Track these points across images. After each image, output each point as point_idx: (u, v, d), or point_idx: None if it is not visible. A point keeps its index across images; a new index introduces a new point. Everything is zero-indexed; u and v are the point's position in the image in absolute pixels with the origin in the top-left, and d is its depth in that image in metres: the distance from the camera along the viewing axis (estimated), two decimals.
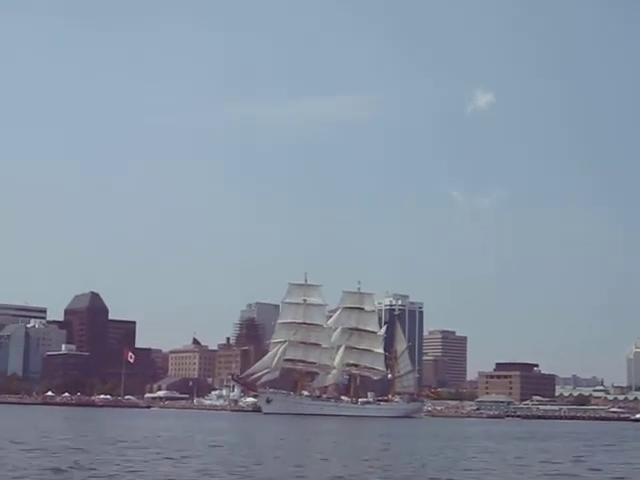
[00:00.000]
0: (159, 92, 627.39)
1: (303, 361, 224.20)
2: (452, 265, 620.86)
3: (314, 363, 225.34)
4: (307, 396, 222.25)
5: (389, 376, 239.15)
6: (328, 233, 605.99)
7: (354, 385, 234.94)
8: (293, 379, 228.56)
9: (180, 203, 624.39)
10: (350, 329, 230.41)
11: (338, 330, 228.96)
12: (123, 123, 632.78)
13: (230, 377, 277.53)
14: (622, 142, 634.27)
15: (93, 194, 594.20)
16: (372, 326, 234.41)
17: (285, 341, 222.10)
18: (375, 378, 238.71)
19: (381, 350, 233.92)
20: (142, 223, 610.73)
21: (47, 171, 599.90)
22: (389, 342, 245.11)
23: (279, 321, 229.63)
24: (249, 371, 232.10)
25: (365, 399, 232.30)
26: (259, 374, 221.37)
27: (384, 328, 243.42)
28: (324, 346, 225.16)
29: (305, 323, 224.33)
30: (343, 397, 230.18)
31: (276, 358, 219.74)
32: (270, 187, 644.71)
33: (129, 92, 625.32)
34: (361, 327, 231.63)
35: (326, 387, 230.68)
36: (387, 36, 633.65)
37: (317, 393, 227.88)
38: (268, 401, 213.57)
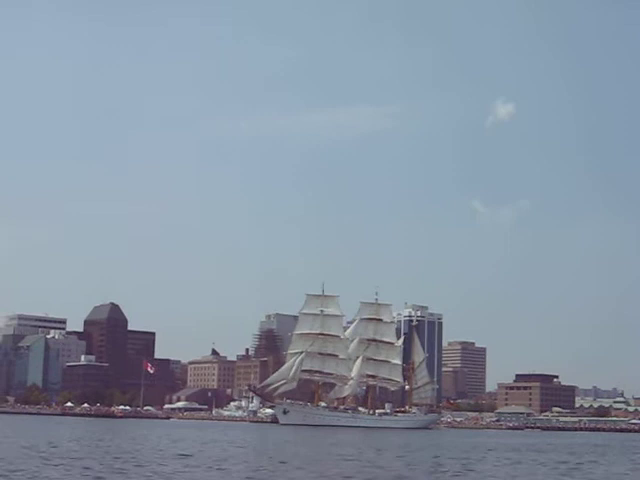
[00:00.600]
0: (167, 100, 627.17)
1: (320, 372, 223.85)
2: (471, 276, 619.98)
3: (331, 374, 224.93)
4: (324, 407, 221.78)
5: (406, 387, 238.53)
6: (348, 244, 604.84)
7: (371, 396, 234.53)
8: (310, 390, 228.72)
9: (199, 213, 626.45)
10: (367, 340, 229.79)
11: (355, 341, 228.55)
12: (147, 131, 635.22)
13: (247, 388, 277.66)
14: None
15: (112, 203, 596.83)
16: (389, 337, 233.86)
17: (302, 352, 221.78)
18: (392, 389, 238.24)
19: (399, 361, 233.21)
20: (161, 234, 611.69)
21: (65, 178, 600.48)
22: (407, 353, 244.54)
23: (296, 332, 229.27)
24: (266, 382, 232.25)
25: (382, 410, 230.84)
26: (276, 385, 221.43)
27: (402, 339, 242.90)
28: (341, 357, 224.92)
29: (322, 334, 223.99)
30: (360, 408, 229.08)
31: (293, 369, 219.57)
32: (289, 197, 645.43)
33: (141, 98, 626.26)
34: (378, 338, 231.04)
35: (343, 398, 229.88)
36: (407, 46, 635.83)
37: (334, 404, 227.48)
38: (285, 412, 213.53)
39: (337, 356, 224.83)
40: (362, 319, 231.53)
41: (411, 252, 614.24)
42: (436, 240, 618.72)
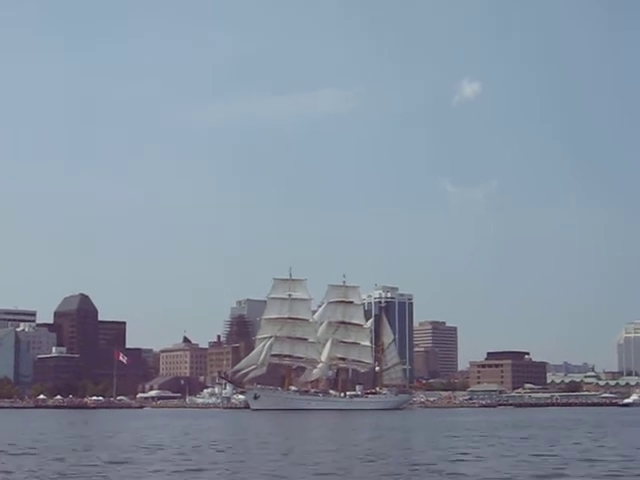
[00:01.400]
0: (146, 89, 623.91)
1: (290, 356, 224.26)
2: (441, 256, 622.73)
3: (301, 358, 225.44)
4: (295, 391, 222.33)
5: (377, 369, 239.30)
6: (316, 228, 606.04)
7: (342, 379, 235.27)
8: (280, 374, 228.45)
9: (166, 201, 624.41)
10: (336, 322, 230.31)
11: (324, 324, 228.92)
12: (116, 119, 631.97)
13: (217, 375, 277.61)
14: (609, 132, 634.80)
15: (80, 194, 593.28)
16: (358, 319, 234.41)
17: (271, 336, 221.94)
18: (362, 371, 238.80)
19: (368, 343, 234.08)
20: (128, 223, 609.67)
21: (34, 171, 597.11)
22: (376, 335, 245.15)
23: (264, 317, 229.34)
24: (236, 368, 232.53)
25: (353, 392, 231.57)
26: (246, 370, 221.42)
27: (371, 321, 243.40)
28: (310, 340, 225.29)
29: (291, 318, 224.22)
30: (331, 391, 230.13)
31: (262, 354, 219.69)
32: (257, 182, 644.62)
33: (123, 91, 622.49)
34: (347, 320, 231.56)
35: (314, 381, 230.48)
36: (370, 29, 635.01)
37: (305, 388, 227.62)
38: (256, 397, 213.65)
39: (306, 340, 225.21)
40: (330, 302, 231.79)
41: (380, 234, 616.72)
42: (405, 221, 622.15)
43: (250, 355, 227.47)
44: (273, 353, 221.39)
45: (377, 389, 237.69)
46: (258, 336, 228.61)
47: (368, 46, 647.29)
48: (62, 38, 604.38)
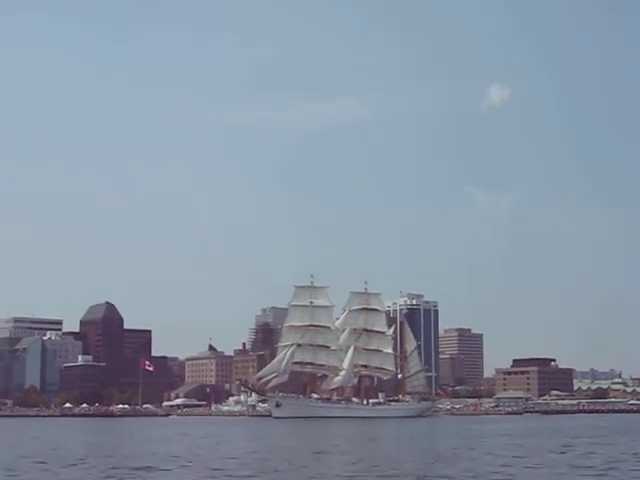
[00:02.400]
0: (157, 93, 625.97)
1: (312, 363, 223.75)
2: (466, 263, 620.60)
3: (323, 365, 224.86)
4: (317, 399, 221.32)
5: (399, 376, 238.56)
6: (339, 235, 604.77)
7: (364, 386, 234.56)
8: (302, 382, 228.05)
9: (192, 209, 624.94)
10: (358, 330, 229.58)
11: (346, 331, 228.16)
12: (135, 126, 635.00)
13: (239, 382, 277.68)
14: (628, 140, 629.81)
15: (106, 202, 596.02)
16: (380, 326, 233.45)
17: (293, 344, 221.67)
18: (385, 378, 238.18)
19: (390, 350, 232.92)
20: (154, 231, 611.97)
21: (60, 179, 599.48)
22: (398, 342, 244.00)
23: (286, 324, 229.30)
24: (258, 375, 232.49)
25: (375, 400, 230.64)
26: (268, 378, 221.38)
27: (392, 328, 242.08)
28: (332, 348, 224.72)
29: (312, 325, 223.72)
30: (353, 398, 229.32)
31: (284, 361, 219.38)
32: (278, 190, 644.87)
33: (130, 95, 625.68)
34: (369, 327, 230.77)
35: (336, 389, 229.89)
36: (394, 35, 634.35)
37: (327, 395, 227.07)
38: (278, 405, 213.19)
39: (328, 347, 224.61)
40: (352, 309, 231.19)
41: (405, 241, 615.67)
42: (431, 228, 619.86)
43: (272, 363, 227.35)
44: (295, 361, 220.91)
45: (400, 396, 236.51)
46: (280, 344, 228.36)
47: (390, 51, 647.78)
48: (94, 35, 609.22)
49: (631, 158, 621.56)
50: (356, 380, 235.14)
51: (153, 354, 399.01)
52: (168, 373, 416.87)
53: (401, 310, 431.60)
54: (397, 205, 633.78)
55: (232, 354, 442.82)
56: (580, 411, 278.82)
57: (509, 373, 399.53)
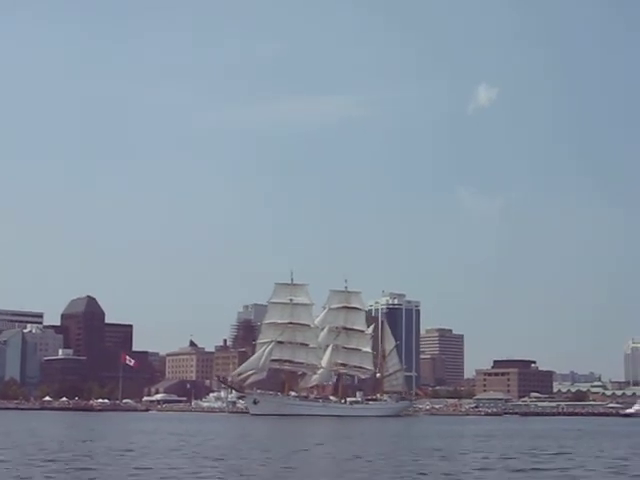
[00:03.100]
0: (157, 93, 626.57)
1: (290, 361, 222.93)
2: (448, 263, 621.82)
3: (301, 363, 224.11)
4: (295, 396, 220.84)
5: (377, 375, 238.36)
6: (319, 232, 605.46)
7: (342, 385, 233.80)
8: (280, 380, 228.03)
9: (175, 204, 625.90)
10: (337, 328, 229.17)
11: (325, 329, 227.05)
12: (135, 126, 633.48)
13: (217, 379, 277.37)
14: (625, 139, 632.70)
15: (88, 197, 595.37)
16: (360, 325, 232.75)
17: (272, 341, 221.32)
18: (363, 377, 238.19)
19: (369, 349, 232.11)
20: (136, 226, 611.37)
21: (42, 174, 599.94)
22: (377, 341, 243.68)
23: (265, 321, 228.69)
24: (236, 372, 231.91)
25: (353, 399, 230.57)
26: (246, 375, 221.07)
27: (372, 327, 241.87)
28: (311, 346, 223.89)
29: (292, 323, 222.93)
30: (331, 397, 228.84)
31: (263, 359, 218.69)
32: (267, 186, 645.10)
33: (129, 94, 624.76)
34: (349, 326, 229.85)
35: (314, 387, 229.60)
36: (386, 36, 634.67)
37: (305, 393, 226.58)
38: (255, 402, 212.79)
39: (307, 345, 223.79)
40: (332, 307, 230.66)
41: (388, 240, 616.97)
42: (414, 228, 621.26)
43: (250, 360, 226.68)
44: (273, 358, 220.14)
45: (378, 396, 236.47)
46: (259, 341, 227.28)
47: (384, 51, 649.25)
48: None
49: (631, 158, 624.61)
50: (335, 378, 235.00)
51: (134, 349, 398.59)
52: (149, 368, 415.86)
53: (383, 309, 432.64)
54: (380, 204, 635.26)
55: (213, 350, 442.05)
56: (559, 413, 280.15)
57: (489, 374, 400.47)
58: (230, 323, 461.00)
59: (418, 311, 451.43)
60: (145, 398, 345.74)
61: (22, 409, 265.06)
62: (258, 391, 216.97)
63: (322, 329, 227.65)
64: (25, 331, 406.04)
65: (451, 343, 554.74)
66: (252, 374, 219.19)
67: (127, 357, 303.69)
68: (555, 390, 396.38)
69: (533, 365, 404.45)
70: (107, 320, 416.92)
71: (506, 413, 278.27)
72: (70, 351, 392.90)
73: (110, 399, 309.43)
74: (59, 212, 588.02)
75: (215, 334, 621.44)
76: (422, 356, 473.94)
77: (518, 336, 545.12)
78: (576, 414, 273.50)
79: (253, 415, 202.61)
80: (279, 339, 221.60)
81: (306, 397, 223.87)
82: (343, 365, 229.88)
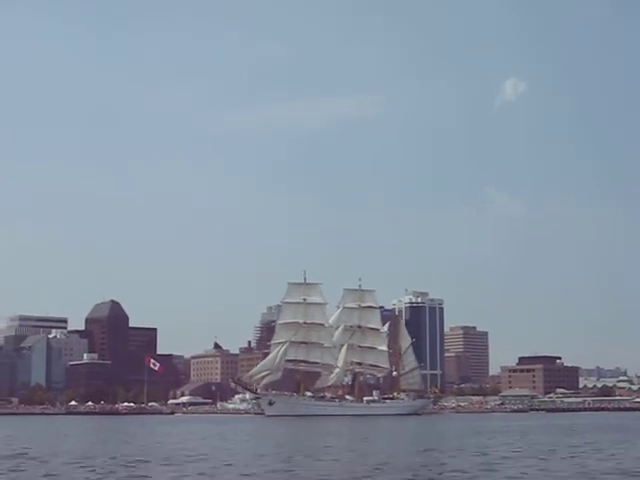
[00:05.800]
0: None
1: (305, 361, 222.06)
2: (472, 261, 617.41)
3: (316, 363, 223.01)
4: (310, 397, 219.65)
5: (394, 373, 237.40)
6: (337, 233, 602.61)
7: (358, 384, 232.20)
8: (295, 380, 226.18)
9: (197, 207, 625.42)
10: (352, 327, 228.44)
11: (340, 328, 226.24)
12: (135, 126, 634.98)
13: (231, 380, 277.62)
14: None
15: (111, 201, 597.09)
16: (375, 323, 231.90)
17: (286, 341, 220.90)
18: (379, 376, 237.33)
19: (385, 347, 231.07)
20: (159, 230, 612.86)
21: (61, 178, 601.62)
22: (393, 339, 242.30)
23: (279, 321, 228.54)
24: (250, 373, 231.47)
25: (370, 398, 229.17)
26: (260, 376, 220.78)
27: (387, 325, 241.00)
28: (326, 345, 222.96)
29: (306, 322, 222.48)
30: (347, 396, 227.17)
31: (277, 359, 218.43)
32: (280, 188, 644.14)
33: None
34: (363, 325, 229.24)
35: (329, 387, 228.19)
36: (400, 34, 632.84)
37: (320, 393, 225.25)
38: (270, 403, 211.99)
39: (322, 345, 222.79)
40: (346, 306, 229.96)
41: (412, 239, 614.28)
42: (436, 226, 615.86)
43: (264, 361, 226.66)
44: (288, 358, 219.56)
45: (395, 394, 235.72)
46: (273, 341, 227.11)
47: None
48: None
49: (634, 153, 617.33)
50: (350, 378, 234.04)
51: (158, 352, 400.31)
52: (173, 371, 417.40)
53: (409, 307, 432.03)
54: (403, 201, 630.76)
55: (237, 352, 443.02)
56: (586, 409, 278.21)
57: (515, 371, 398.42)
58: (254, 324, 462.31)
59: (442, 309, 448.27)
60: (170, 401, 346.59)
61: (48, 414, 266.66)
62: (273, 392, 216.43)
63: (337, 328, 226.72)
64: (50, 336, 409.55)
65: (475, 340, 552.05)
66: (267, 375, 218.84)
67: (152, 361, 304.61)
68: (581, 386, 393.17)
69: (558, 361, 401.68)
70: (131, 324, 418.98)
71: (532, 410, 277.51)
72: (95, 355, 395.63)
73: (136, 403, 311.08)
74: (82, 216, 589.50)
75: (239, 336, 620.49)
76: (447, 354, 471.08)
77: (543, 332, 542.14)
78: (602, 409, 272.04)
79: (268, 416, 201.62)
80: (293, 339, 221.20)
81: (322, 397, 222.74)
82: (359, 364, 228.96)
